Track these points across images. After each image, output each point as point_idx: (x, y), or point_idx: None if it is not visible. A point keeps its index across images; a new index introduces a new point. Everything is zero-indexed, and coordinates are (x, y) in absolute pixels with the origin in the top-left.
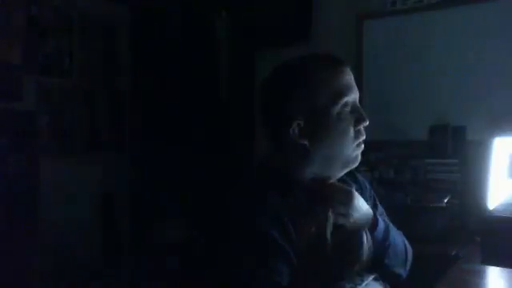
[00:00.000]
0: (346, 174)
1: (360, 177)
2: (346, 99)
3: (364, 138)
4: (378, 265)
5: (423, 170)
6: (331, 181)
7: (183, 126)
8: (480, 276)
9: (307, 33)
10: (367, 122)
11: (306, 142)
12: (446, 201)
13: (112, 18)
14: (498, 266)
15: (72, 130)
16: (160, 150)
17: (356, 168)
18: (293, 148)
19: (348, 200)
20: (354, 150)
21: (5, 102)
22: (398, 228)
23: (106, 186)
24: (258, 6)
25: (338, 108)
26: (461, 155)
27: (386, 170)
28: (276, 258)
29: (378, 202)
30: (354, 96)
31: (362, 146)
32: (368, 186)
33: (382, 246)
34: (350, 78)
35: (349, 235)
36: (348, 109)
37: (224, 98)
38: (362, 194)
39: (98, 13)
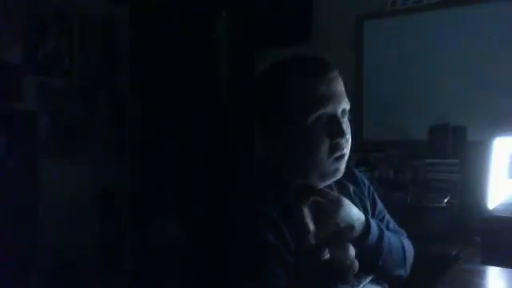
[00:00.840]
0: (344, 173)
1: (358, 173)
2: (320, 111)
3: (345, 151)
4: (374, 268)
5: (423, 170)
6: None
7: (183, 125)
8: (480, 276)
9: (307, 33)
10: (345, 137)
11: (282, 147)
12: (446, 201)
13: (112, 18)
14: (498, 266)
15: (72, 130)
16: (160, 150)
17: (356, 167)
18: (276, 150)
19: (335, 208)
20: (331, 164)
21: (5, 102)
22: (399, 226)
23: (105, 186)
24: (258, 6)
25: (310, 120)
26: (461, 155)
27: (385, 170)
28: (272, 261)
29: (377, 199)
30: (332, 107)
31: (344, 159)
32: (366, 183)
33: (376, 251)
34: (329, 87)
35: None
36: (324, 121)
37: (224, 98)
38: (360, 192)
39: (97, 13)
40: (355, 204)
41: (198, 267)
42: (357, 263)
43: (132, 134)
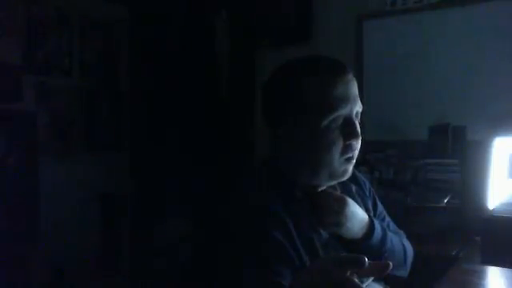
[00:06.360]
0: None
1: (359, 174)
2: (336, 114)
3: (355, 153)
4: None
5: (423, 170)
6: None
7: (183, 125)
8: (480, 276)
9: (307, 33)
10: (359, 138)
11: (293, 147)
12: (445, 201)
13: (112, 18)
14: (497, 266)
15: (72, 130)
16: (160, 150)
17: (356, 167)
18: (285, 150)
19: (340, 209)
20: (341, 165)
21: (5, 102)
22: (398, 227)
23: (106, 186)
24: (258, 6)
25: (326, 122)
26: (461, 155)
27: (386, 170)
28: (277, 259)
29: (377, 200)
30: (348, 109)
31: (353, 161)
32: (367, 184)
33: (378, 253)
34: (345, 89)
35: None
36: (339, 122)
37: (224, 98)
38: (362, 192)
39: (97, 13)
40: (358, 204)
41: (201, 266)
42: None
43: (132, 134)
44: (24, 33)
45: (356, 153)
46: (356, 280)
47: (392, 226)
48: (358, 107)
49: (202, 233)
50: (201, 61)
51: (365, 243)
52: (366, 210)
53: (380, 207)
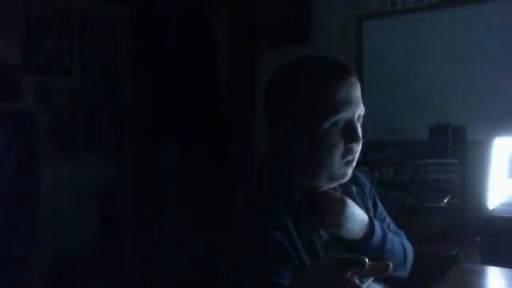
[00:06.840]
0: None
1: (359, 174)
2: (338, 117)
3: (355, 156)
4: None
5: (423, 170)
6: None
7: (183, 125)
8: (480, 276)
9: (307, 33)
10: (360, 142)
11: (293, 148)
12: (445, 201)
13: (112, 18)
14: (497, 266)
15: (72, 130)
16: (160, 150)
17: (356, 167)
18: (285, 151)
19: (340, 210)
20: (341, 168)
21: (5, 101)
22: (398, 227)
23: (106, 186)
24: (258, 6)
25: (327, 124)
26: (461, 155)
27: (386, 170)
28: (277, 259)
29: (378, 200)
30: (351, 112)
31: (353, 164)
32: (368, 185)
33: (378, 253)
34: (348, 91)
35: None
36: (340, 125)
37: (224, 98)
38: (362, 193)
39: (97, 13)
40: (358, 204)
41: (201, 266)
42: None
43: (132, 134)
44: (24, 33)
45: (356, 156)
46: (356, 280)
47: (392, 226)
48: (361, 110)
49: (202, 233)
50: (201, 61)
51: (365, 244)
52: (367, 211)
53: (380, 208)
